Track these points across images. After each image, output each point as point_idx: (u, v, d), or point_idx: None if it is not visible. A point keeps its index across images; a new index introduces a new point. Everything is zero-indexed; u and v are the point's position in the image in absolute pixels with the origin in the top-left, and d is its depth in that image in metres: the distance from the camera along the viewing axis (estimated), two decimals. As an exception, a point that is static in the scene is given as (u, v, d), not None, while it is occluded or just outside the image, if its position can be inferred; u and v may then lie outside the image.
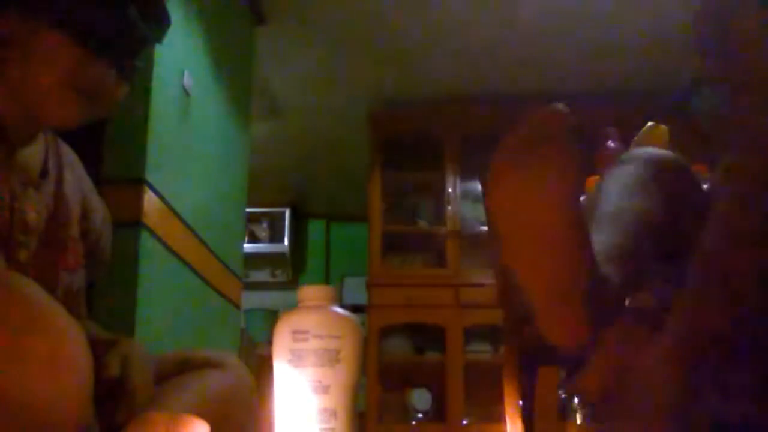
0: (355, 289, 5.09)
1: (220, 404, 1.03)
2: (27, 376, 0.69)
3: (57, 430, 0.71)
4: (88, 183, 1.15)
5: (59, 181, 1.06)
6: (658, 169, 0.92)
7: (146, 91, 2.09)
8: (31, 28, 0.93)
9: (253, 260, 5.41)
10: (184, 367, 1.05)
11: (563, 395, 3.93)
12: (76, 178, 1.11)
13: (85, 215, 1.11)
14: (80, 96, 0.97)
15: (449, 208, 4.20)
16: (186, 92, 2.40)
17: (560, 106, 0.71)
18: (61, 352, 0.71)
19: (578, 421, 3.88)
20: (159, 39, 1.09)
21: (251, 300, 5.13)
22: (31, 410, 0.69)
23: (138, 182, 2.03)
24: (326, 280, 5.87)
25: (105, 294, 1.94)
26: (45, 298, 0.74)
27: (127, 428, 0.84)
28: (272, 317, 5.39)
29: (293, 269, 5.89)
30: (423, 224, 4.36)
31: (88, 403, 0.76)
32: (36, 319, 0.71)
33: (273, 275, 5.87)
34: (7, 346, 0.68)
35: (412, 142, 4.36)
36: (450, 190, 4.21)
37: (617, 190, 0.92)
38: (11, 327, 0.69)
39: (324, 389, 0.81)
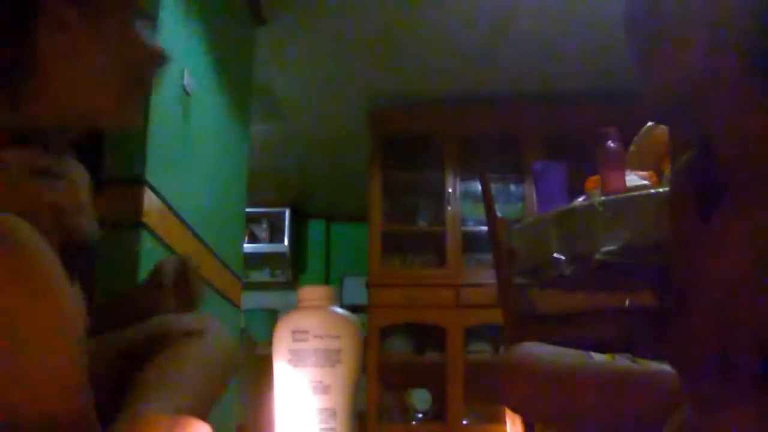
0: (355, 289, 5.08)
1: (210, 379, 1.01)
2: (23, 339, 0.69)
3: (49, 399, 0.71)
4: None
5: None
6: None
7: (146, 91, 2.09)
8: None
9: (253, 260, 5.41)
10: (165, 341, 1.02)
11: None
12: None
13: None
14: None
15: (449, 208, 4.20)
16: (186, 92, 2.40)
17: None
18: (57, 319, 0.71)
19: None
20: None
21: (251, 300, 5.13)
22: (23, 375, 0.69)
23: (138, 182, 2.03)
24: (326, 280, 5.87)
25: (105, 294, 1.94)
26: (49, 261, 0.73)
27: (125, 429, 0.84)
28: (272, 317, 5.39)
29: (293, 269, 5.89)
30: (423, 224, 4.36)
31: (84, 378, 0.76)
32: (38, 285, 0.71)
33: (273, 275, 5.87)
34: (6, 309, 0.68)
35: (412, 142, 4.36)
36: (450, 190, 4.21)
37: None
38: (13, 291, 0.69)
39: (324, 389, 0.81)
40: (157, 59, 1.01)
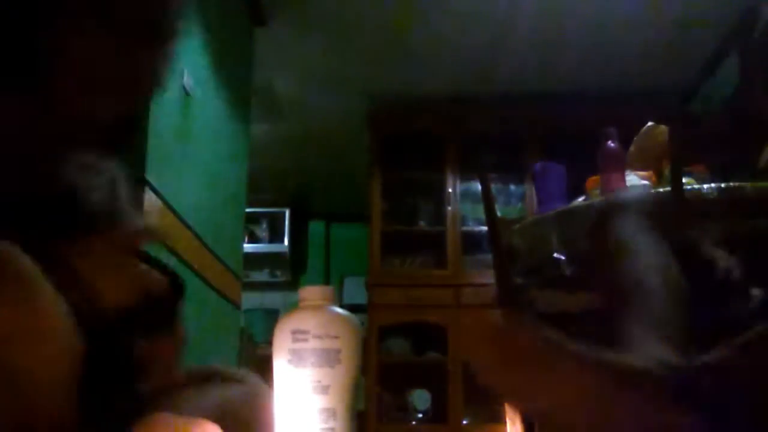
0: (355, 289, 5.09)
1: (237, 412, 1.01)
2: (10, 346, 0.69)
3: (37, 403, 0.71)
4: None
5: None
6: None
7: (146, 91, 2.08)
8: None
9: (253, 260, 5.41)
10: (210, 380, 1.03)
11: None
12: None
13: None
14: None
15: (449, 208, 4.20)
16: (186, 92, 2.40)
17: None
18: (45, 328, 0.71)
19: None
20: None
21: (251, 300, 5.14)
22: (12, 379, 0.69)
23: (138, 182, 2.03)
24: (326, 280, 5.87)
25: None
26: (35, 273, 0.74)
27: (135, 429, 0.83)
28: (272, 317, 5.39)
29: (293, 269, 5.89)
30: (423, 224, 4.36)
31: (72, 384, 0.76)
32: (25, 295, 0.71)
33: (273, 275, 5.87)
34: None
35: (412, 142, 4.36)
36: (450, 190, 4.21)
37: None
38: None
39: (324, 389, 0.81)
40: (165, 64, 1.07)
